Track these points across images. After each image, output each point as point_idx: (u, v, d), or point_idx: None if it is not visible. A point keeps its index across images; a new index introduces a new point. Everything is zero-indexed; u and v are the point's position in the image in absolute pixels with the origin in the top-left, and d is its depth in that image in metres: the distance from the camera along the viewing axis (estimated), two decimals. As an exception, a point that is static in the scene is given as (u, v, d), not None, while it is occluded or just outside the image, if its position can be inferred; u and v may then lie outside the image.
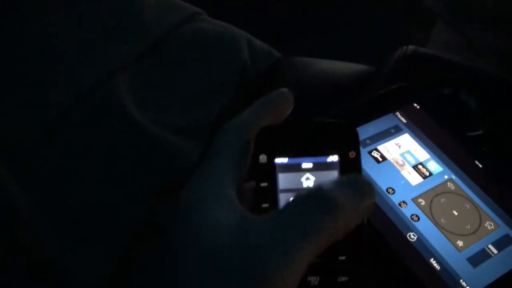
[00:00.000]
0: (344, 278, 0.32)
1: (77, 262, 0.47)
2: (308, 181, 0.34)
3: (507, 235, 0.50)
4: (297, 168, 0.33)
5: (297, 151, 0.33)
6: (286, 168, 0.33)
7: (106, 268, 0.47)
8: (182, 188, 0.39)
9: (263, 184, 0.33)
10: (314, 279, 0.32)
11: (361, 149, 0.53)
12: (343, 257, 0.32)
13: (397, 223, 0.49)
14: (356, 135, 0.33)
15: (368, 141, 0.56)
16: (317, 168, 0.33)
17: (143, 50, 0.62)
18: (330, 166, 0.33)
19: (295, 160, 0.32)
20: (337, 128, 0.33)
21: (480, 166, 0.54)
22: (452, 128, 0.57)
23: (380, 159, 0.54)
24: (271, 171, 0.33)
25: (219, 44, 0.67)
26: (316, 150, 0.32)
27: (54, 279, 0.45)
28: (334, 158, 0.33)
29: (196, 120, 0.60)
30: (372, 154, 0.55)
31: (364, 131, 0.57)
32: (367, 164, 0.54)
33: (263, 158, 0.33)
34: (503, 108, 0.66)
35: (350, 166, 0.33)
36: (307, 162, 0.33)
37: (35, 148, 0.49)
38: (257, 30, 0.77)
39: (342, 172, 0.33)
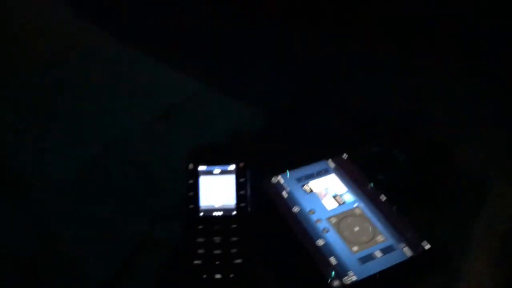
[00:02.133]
0: (239, 261, 0.55)
1: (93, 260, 0.71)
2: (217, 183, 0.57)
3: (391, 246, 0.69)
4: (211, 172, 0.57)
5: (211, 162, 0.57)
6: (204, 172, 0.57)
7: (112, 267, 0.71)
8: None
9: (190, 181, 0.57)
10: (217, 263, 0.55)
11: (297, 184, 0.76)
12: (236, 238, 0.55)
13: (312, 233, 0.70)
14: (244, 153, 0.57)
15: (303, 178, 0.78)
16: (222, 173, 0.57)
17: (158, 114, 0.91)
18: (230, 171, 0.57)
19: (209, 168, 0.56)
20: (235, 148, 0.57)
21: (383, 199, 0.75)
22: (368, 172, 0.79)
23: (309, 191, 0.76)
24: (196, 174, 0.57)
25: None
26: (222, 161, 0.56)
27: (76, 272, 0.70)
28: (232, 166, 0.57)
29: None
30: (304, 187, 0.77)
31: (303, 172, 0.79)
32: (299, 194, 0.76)
33: (191, 166, 0.57)
34: (423, 160, 0.86)
35: (241, 172, 0.57)
36: (217, 168, 0.57)
37: (70, 182, 0.77)
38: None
39: (236, 175, 0.57)
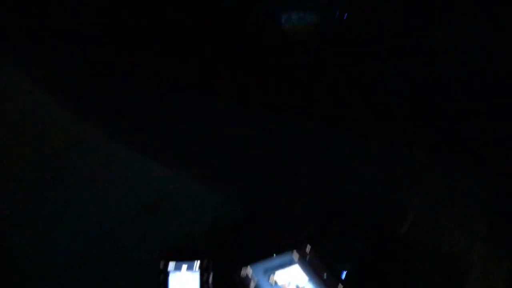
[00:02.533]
0: None
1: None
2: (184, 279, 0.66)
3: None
4: (179, 268, 0.66)
5: (180, 259, 0.66)
6: (173, 269, 0.66)
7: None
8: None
9: (161, 279, 0.65)
10: None
11: (264, 275, 0.84)
12: None
13: (275, 321, 0.77)
14: (207, 254, 0.66)
15: (269, 270, 0.86)
16: (188, 269, 0.66)
17: (149, 204, 1.02)
18: (195, 268, 0.66)
19: (178, 264, 0.65)
20: (201, 246, 0.67)
21: (342, 289, 0.83)
22: (328, 263, 0.87)
23: (274, 283, 0.84)
24: (165, 272, 0.66)
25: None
26: (189, 259, 0.65)
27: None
28: (197, 264, 0.66)
29: None
30: (270, 279, 0.85)
31: (270, 263, 0.87)
32: (265, 286, 0.84)
33: (162, 263, 0.66)
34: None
35: (204, 269, 0.65)
36: (184, 265, 0.66)
37: (60, 267, 0.86)
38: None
39: (201, 272, 0.66)
